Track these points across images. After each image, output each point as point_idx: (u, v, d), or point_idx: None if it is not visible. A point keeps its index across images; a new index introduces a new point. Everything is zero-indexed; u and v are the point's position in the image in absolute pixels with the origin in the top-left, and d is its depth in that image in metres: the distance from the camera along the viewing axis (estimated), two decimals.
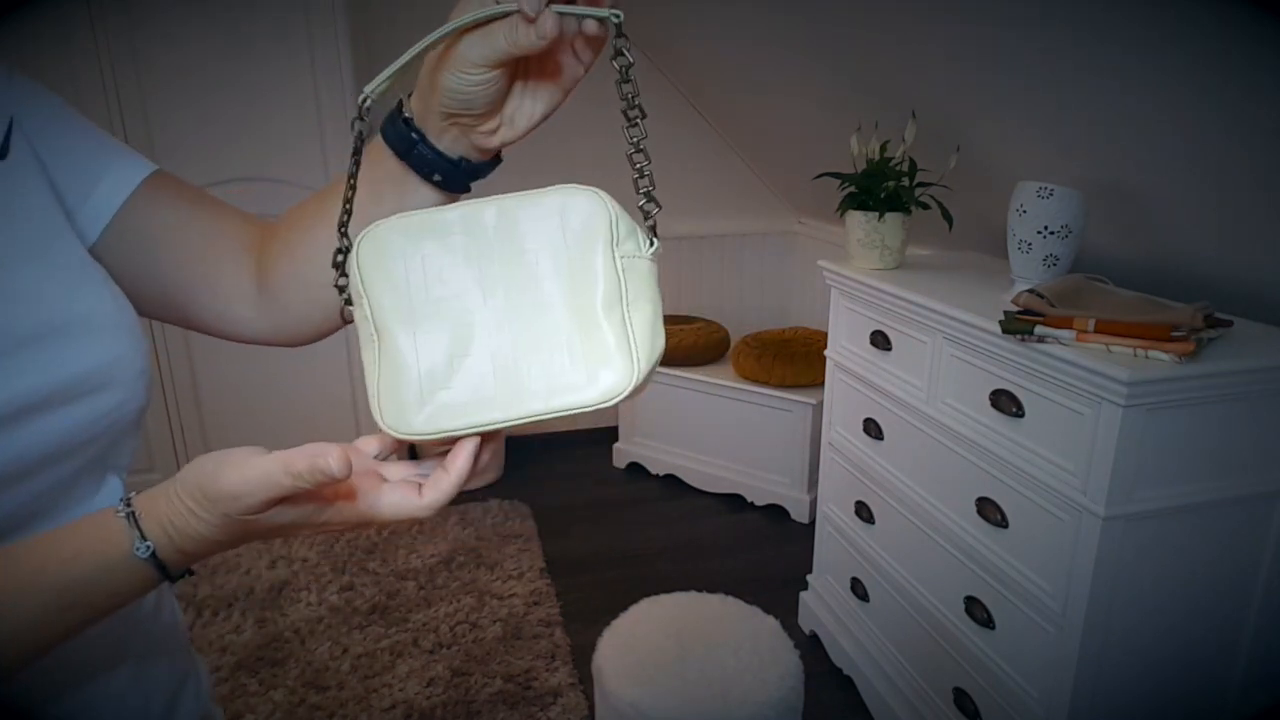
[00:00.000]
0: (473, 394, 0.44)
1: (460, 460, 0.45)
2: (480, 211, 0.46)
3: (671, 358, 2.84)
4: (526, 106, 0.52)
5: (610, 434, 3.16)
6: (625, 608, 1.54)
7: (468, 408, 0.44)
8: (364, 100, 0.48)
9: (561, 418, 0.44)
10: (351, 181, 0.50)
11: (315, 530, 0.45)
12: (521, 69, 0.51)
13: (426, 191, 0.55)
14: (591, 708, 1.83)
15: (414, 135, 0.52)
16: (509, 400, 0.44)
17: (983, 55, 1.46)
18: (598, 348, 0.44)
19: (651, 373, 0.45)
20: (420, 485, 0.45)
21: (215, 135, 2.41)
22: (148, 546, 0.43)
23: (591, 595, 2.29)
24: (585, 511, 2.79)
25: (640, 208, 0.48)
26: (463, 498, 2.87)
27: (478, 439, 0.45)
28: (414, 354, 0.45)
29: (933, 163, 1.74)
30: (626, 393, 0.44)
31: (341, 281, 0.49)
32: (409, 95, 0.53)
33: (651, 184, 0.48)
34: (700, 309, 3.34)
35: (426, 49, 0.47)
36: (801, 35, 1.95)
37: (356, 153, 0.50)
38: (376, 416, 0.45)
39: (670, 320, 3.05)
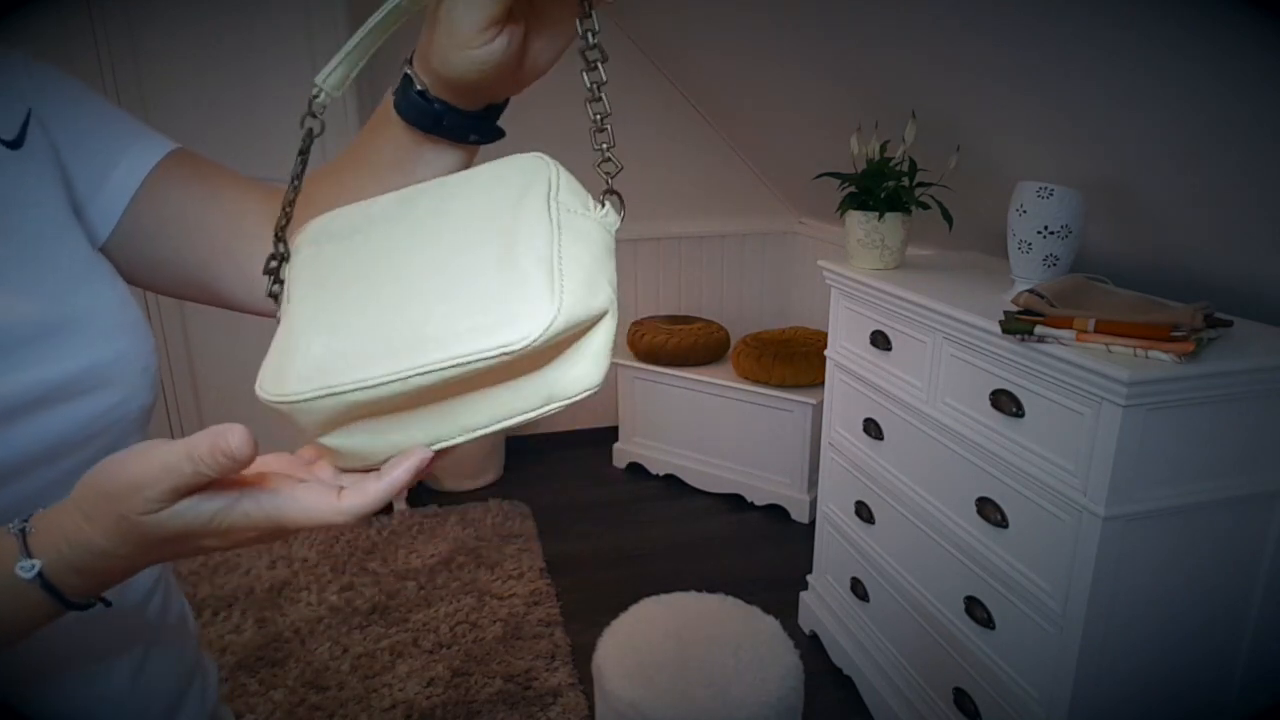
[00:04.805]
0: (357, 347, 0.38)
1: (399, 470, 0.38)
2: (413, 191, 0.44)
3: (671, 358, 2.84)
4: (545, 43, 0.48)
5: (610, 434, 3.16)
6: (625, 608, 1.54)
7: (350, 361, 0.38)
8: (317, 94, 0.44)
9: (560, 414, 0.41)
10: (295, 184, 0.47)
11: (224, 541, 0.39)
12: (522, 7, 0.46)
13: (458, 152, 0.53)
14: (591, 708, 1.83)
15: (437, 107, 0.49)
16: (398, 351, 0.37)
17: (983, 55, 1.46)
18: (516, 293, 0.37)
19: (598, 342, 0.40)
20: (342, 489, 0.38)
21: (216, 135, 2.41)
22: (33, 565, 0.38)
23: (591, 595, 2.29)
24: (585, 511, 2.79)
25: (598, 168, 0.42)
26: (463, 498, 2.87)
27: (430, 452, 0.40)
28: (307, 320, 0.41)
29: (933, 163, 1.74)
30: (543, 335, 0.36)
31: (275, 289, 0.45)
32: (409, 61, 0.50)
33: (612, 140, 0.41)
34: (700, 309, 3.34)
35: (379, 27, 0.44)
36: (802, 36, 1.95)
37: (304, 152, 0.46)
38: (257, 388, 0.40)
39: (670, 320, 3.05)
